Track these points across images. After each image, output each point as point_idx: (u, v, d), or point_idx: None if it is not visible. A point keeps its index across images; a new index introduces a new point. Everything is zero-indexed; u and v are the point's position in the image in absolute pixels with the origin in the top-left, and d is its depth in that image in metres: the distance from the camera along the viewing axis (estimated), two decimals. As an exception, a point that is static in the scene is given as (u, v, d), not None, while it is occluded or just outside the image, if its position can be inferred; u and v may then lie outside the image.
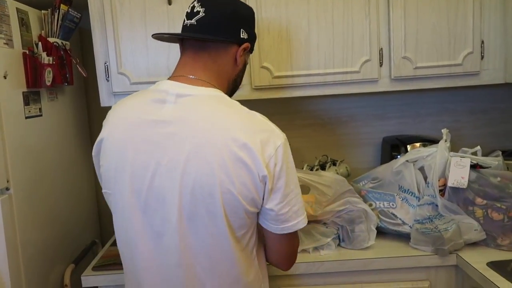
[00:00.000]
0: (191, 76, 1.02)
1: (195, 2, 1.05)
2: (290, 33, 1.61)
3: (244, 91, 1.65)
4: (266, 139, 0.95)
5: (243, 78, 1.60)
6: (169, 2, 1.58)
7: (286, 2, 1.59)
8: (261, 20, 1.60)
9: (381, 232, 1.51)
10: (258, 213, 1.01)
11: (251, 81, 1.64)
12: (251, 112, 1.00)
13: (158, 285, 1.02)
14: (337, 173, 1.85)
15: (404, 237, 1.48)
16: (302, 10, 1.60)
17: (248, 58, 1.16)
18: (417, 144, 1.76)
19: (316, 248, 1.44)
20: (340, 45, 1.62)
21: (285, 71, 1.63)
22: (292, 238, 1.07)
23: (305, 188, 1.47)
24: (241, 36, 1.06)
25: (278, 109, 1.97)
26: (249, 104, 1.95)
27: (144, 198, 0.97)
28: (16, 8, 1.33)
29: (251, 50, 1.13)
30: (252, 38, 1.10)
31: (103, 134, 1.02)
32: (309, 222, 1.45)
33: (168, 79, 1.03)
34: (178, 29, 1.12)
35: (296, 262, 1.37)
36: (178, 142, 0.94)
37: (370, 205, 1.52)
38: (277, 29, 1.61)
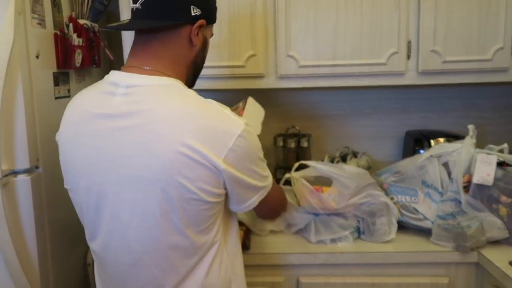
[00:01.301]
0: (143, 67, 0.95)
1: None
2: (318, 22, 1.59)
3: (269, 79, 1.65)
4: (220, 130, 0.89)
5: (268, 66, 1.63)
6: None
7: (315, -9, 1.58)
8: (288, 8, 1.59)
9: (402, 227, 1.51)
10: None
11: (276, 70, 1.63)
12: (206, 102, 0.93)
13: (117, 283, 1.01)
14: (358, 165, 1.84)
15: (425, 232, 1.48)
16: (331, -1, 1.58)
17: (210, 32, 1.07)
18: (441, 139, 1.74)
19: (333, 240, 1.45)
20: (368, 36, 1.60)
21: (311, 60, 1.62)
22: (265, 202, 1.02)
23: (328, 181, 1.47)
24: (193, 14, 0.96)
25: (301, 98, 1.96)
26: (271, 92, 1.95)
27: (95, 194, 0.95)
28: (49, -11, 1.34)
29: (211, 21, 1.04)
30: (208, 12, 1.00)
31: (59, 129, 1.01)
32: (328, 214, 1.47)
33: (120, 70, 0.97)
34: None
35: (315, 252, 1.40)
36: (126, 136, 0.89)
37: (392, 198, 1.52)
38: (304, 17, 1.59)
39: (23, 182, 1.21)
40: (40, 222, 1.27)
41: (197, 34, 0.99)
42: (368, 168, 1.85)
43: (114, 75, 0.96)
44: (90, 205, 0.97)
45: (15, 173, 1.21)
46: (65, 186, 1.03)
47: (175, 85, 0.94)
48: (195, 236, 0.94)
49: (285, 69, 1.62)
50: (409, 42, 1.60)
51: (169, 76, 0.95)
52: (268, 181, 1.02)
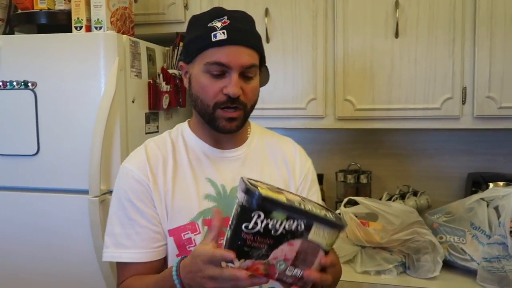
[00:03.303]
0: None
1: None
2: (374, 69, 1.74)
3: (328, 120, 1.82)
4: None
5: (327, 108, 1.79)
6: (267, 40, 1.82)
7: (371, 41, 1.73)
8: (346, 56, 1.76)
9: (450, 266, 1.55)
10: None
11: (334, 112, 1.80)
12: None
13: None
14: (417, 204, 1.90)
15: (471, 273, 1.50)
16: (386, 48, 1.72)
17: (200, 65, 0.96)
18: (500, 183, 1.74)
19: (378, 272, 1.54)
20: (422, 82, 1.70)
21: (366, 104, 1.76)
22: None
23: (373, 216, 1.58)
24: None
25: (363, 137, 2.08)
26: (335, 132, 2.09)
27: None
28: (146, 47, 1.69)
29: (191, 56, 0.97)
30: (186, 51, 1.01)
31: None
32: (374, 247, 1.57)
33: None
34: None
35: (359, 281, 1.51)
36: None
37: (441, 238, 1.57)
38: (361, 65, 1.75)
39: (115, 200, 1.52)
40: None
41: (186, 76, 1.03)
42: (428, 207, 1.90)
43: None
44: None
45: (110, 192, 1.52)
46: None
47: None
48: None
49: (342, 112, 1.79)
50: (464, 88, 1.67)
51: (190, 120, 1.09)
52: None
